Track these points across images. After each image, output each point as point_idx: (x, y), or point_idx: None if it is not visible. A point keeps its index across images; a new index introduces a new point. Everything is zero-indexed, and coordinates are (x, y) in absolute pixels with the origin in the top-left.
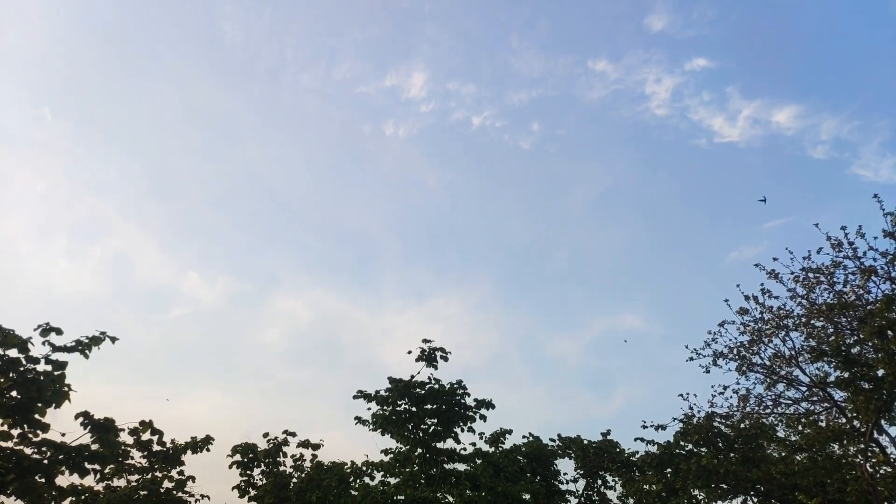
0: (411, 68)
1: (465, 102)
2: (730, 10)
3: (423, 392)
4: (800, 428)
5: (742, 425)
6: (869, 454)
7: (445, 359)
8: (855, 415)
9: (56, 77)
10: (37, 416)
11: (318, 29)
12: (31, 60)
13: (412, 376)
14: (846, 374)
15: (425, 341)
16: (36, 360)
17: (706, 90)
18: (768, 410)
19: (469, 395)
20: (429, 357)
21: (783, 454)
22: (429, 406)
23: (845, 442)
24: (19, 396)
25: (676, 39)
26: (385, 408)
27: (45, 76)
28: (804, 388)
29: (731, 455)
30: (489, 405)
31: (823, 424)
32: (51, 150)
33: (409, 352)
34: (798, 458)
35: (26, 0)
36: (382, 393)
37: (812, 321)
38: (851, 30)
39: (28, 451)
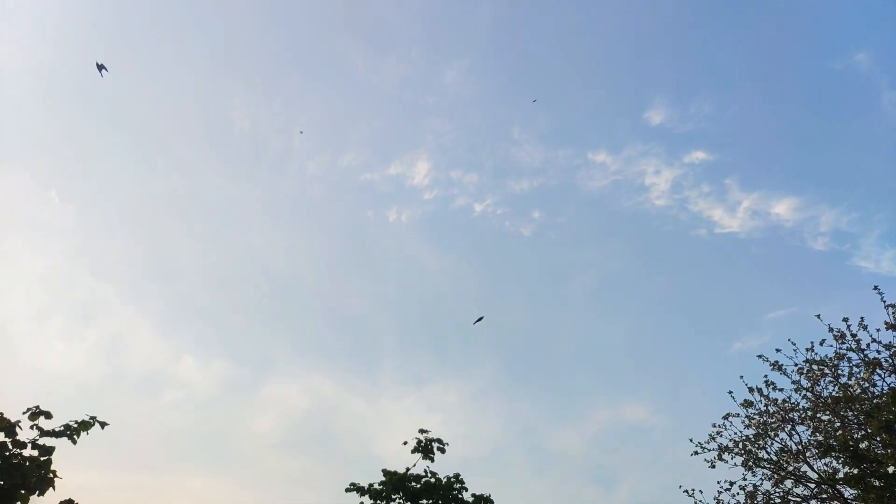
0: (416, 157)
1: (467, 190)
2: (727, 106)
3: (418, 486)
4: None
5: None
6: None
7: (442, 450)
8: None
9: (65, 160)
10: (19, 503)
11: (326, 120)
12: (42, 143)
13: (407, 469)
14: (855, 471)
15: (422, 431)
16: (23, 445)
17: (705, 182)
18: None
19: (467, 490)
20: (425, 448)
21: None
22: (424, 501)
23: None
24: (2, 483)
25: (674, 133)
26: (378, 502)
27: (54, 159)
28: (813, 485)
29: None
30: (488, 501)
31: None
32: (55, 232)
33: (405, 442)
34: None
35: (40, 87)
36: (376, 486)
37: (818, 414)
38: (846, 124)
39: None
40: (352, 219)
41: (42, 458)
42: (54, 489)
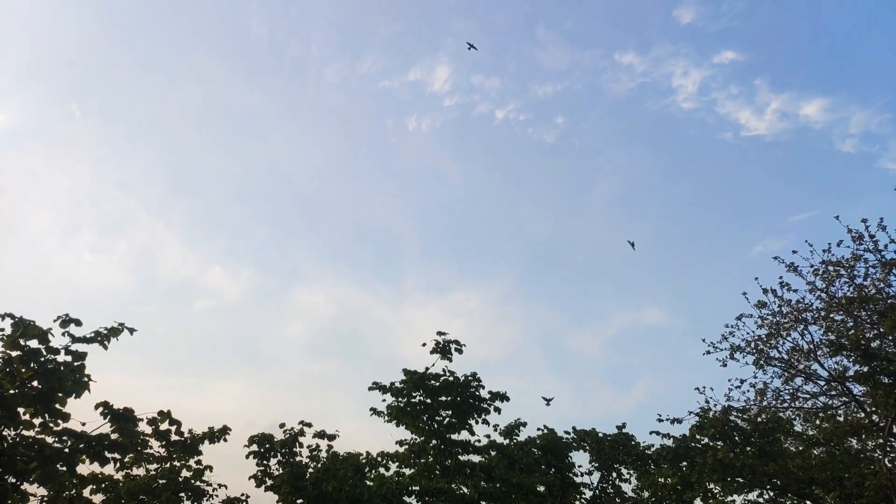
0: (435, 62)
1: (489, 96)
2: (759, 2)
3: (437, 384)
4: (818, 422)
5: (759, 419)
6: (888, 449)
7: (460, 351)
8: (874, 409)
9: (84, 74)
10: (58, 405)
11: (344, 24)
12: (60, 58)
13: (427, 368)
14: (865, 369)
15: (440, 333)
16: (56, 351)
17: (734, 83)
18: (786, 404)
19: (483, 388)
20: (443, 349)
21: (800, 448)
22: (443, 398)
23: (864, 436)
24: (40, 386)
25: (705, 32)
26: (400, 399)
27: (74, 73)
28: (822, 383)
29: (748, 449)
30: (503, 397)
31: (842, 419)
32: (78, 147)
33: (424, 344)
34: (815, 452)
35: (57, 0)
36: (397, 384)
37: (831, 315)
38: (881, 22)
39: (49, 439)
40: (372, 128)
41: (75, 364)
42: (90, 392)
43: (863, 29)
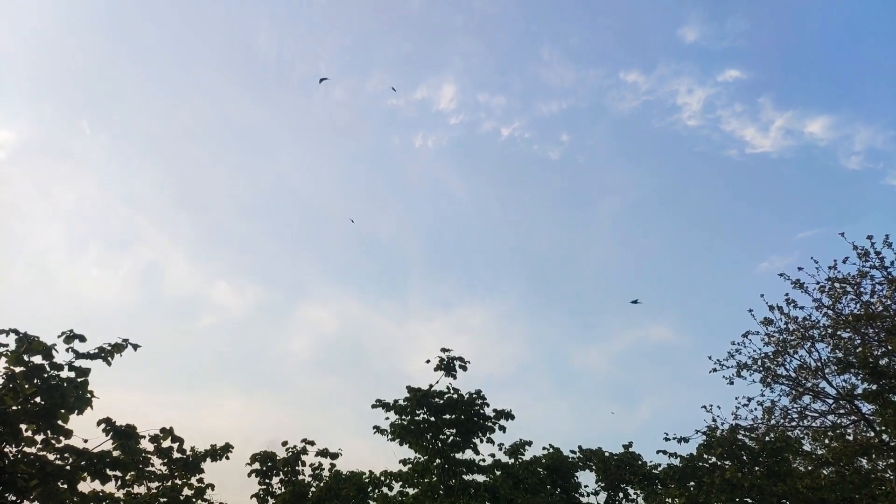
0: (442, 80)
1: (494, 114)
2: (763, 21)
3: (441, 402)
4: (826, 441)
5: (767, 438)
6: None
7: (464, 368)
8: (884, 428)
9: (95, 90)
10: (60, 422)
11: (351, 43)
12: (71, 74)
13: (430, 385)
14: (874, 387)
15: (444, 350)
16: (60, 367)
17: (738, 101)
18: (794, 423)
19: (488, 406)
20: (447, 366)
21: (809, 468)
22: (447, 416)
23: (874, 456)
24: (43, 402)
25: (709, 51)
26: (403, 417)
27: (84, 89)
28: (831, 401)
29: (756, 469)
30: (508, 415)
31: (851, 438)
32: (87, 162)
33: (428, 361)
34: (825, 472)
35: (67, 17)
36: (401, 402)
37: (838, 332)
38: (886, 40)
39: (51, 456)
40: (378, 145)
41: (79, 380)
42: (92, 408)
43: (867, 46)
